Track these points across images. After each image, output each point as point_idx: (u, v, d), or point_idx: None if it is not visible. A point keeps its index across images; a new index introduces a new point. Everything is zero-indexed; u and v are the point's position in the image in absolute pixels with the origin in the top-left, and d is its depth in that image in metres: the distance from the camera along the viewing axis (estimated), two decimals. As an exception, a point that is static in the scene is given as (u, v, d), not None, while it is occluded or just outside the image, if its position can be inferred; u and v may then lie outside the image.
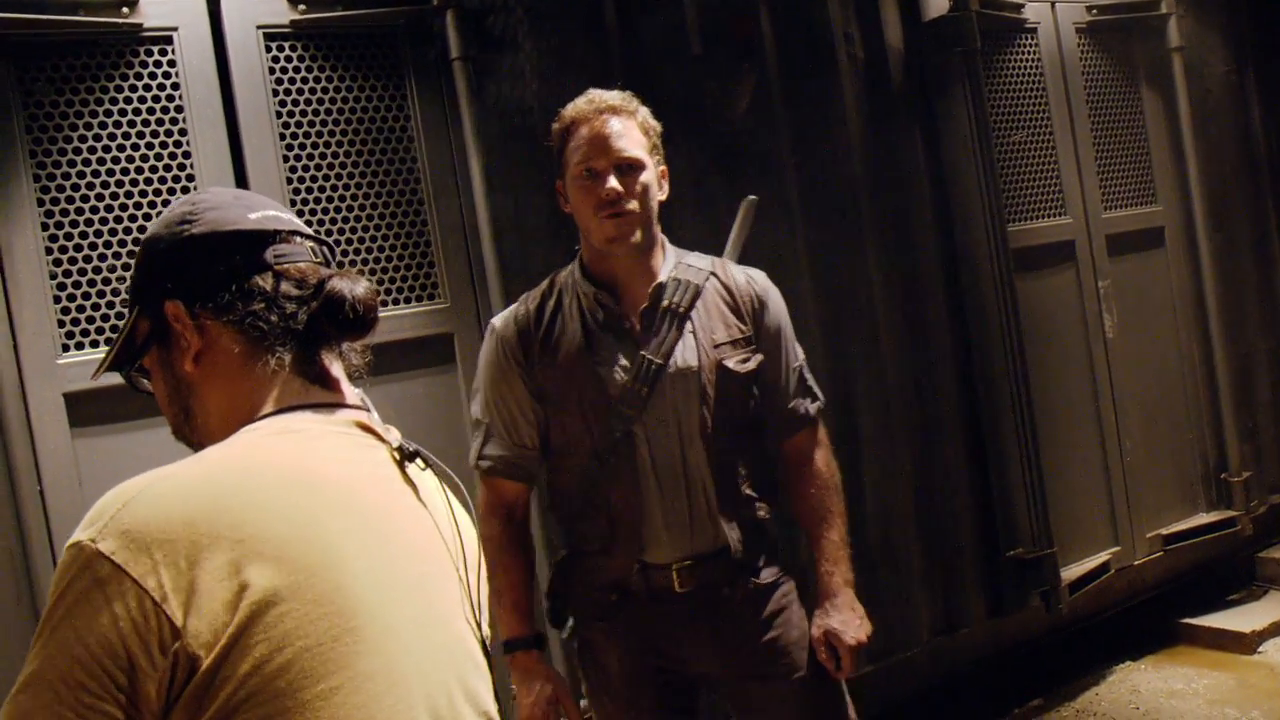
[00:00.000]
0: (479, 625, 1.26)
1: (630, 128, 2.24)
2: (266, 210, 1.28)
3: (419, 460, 1.26)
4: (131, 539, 0.97)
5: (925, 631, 3.86)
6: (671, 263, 2.32)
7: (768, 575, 2.36)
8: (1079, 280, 4.41)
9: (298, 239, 1.27)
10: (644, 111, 2.31)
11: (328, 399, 1.23)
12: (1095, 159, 4.50)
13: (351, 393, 1.28)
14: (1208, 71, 4.93)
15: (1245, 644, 4.42)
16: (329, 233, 2.96)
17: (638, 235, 2.23)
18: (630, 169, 2.22)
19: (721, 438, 2.27)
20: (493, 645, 1.30)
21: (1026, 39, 4.36)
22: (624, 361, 2.24)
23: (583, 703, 2.54)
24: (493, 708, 1.23)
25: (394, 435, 1.28)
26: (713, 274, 2.34)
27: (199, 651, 0.96)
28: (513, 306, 2.40)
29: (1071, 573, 4.15)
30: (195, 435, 1.26)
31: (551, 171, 2.38)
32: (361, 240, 3.01)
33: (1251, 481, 4.76)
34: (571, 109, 2.28)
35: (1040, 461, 4.02)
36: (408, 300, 3.07)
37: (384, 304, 3.03)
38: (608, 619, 2.33)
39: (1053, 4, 4.43)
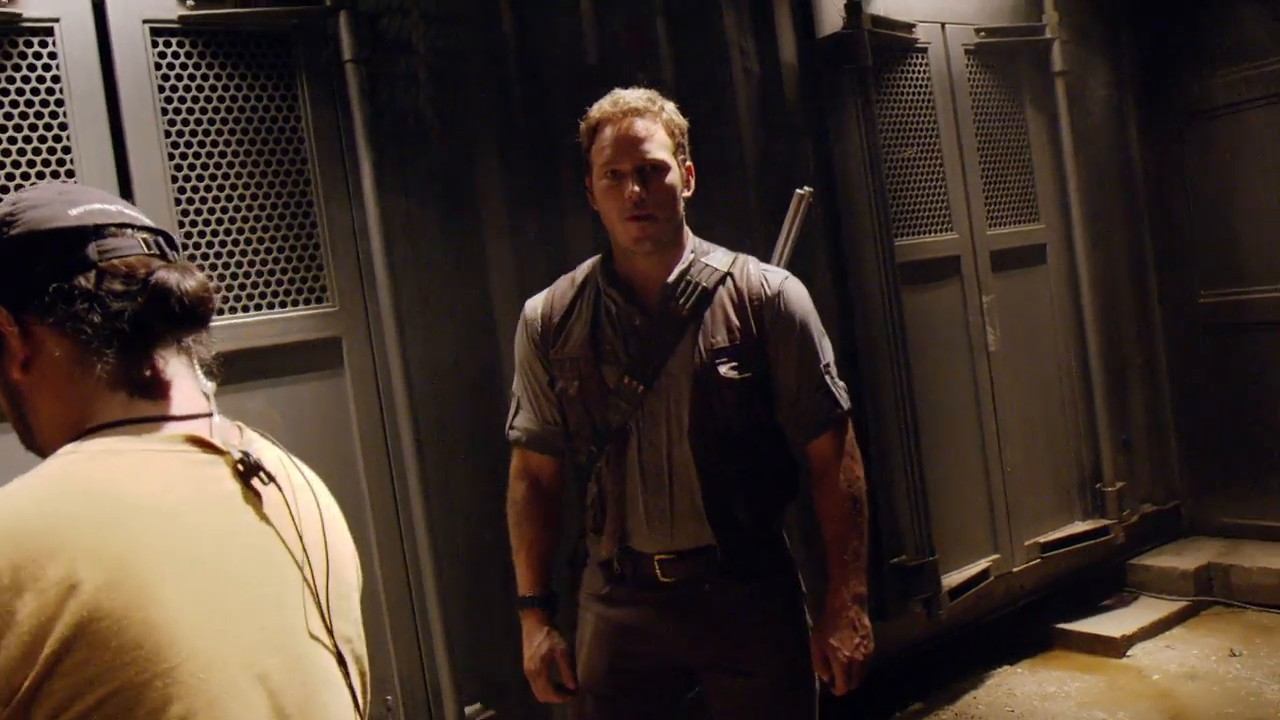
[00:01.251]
0: (331, 633, 1.21)
1: (654, 129, 2.25)
2: (91, 204, 1.20)
3: (261, 474, 1.19)
4: None
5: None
6: (686, 262, 2.33)
7: (754, 578, 2.36)
8: (964, 294, 4.54)
9: (128, 231, 1.19)
10: (669, 109, 2.32)
11: (155, 411, 1.16)
12: (981, 177, 4.64)
13: (191, 396, 1.20)
14: (1089, 95, 5.13)
15: (1115, 648, 4.59)
16: (215, 234, 2.91)
17: (661, 237, 2.28)
18: (654, 170, 2.24)
19: (710, 441, 2.28)
20: (341, 646, 1.24)
21: (917, 58, 4.48)
22: (624, 356, 2.29)
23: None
24: (343, 718, 1.21)
25: (242, 440, 1.22)
26: (729, 274, 2.34)
27: None
28: (549, 288, 2.48)
29: (952, 579, 4.27)
30: (38, 444, 1.20)
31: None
32: (249, 242, 2.96)
33: (1124, 491, 4.96)
34: (597, 110, 2.30)
35: (923, 470, 4.13)
36: (295, 303, 3.03)
37: (272, 307, 2.99)
38: (597, 593, 2.41)
39: (943, 25, 4.56)
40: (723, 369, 2.28)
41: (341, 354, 3.05)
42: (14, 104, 2.67)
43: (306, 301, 3.04)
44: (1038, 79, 4.88)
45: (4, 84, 2.66)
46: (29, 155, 2.68)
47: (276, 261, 3.00)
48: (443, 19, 3.26)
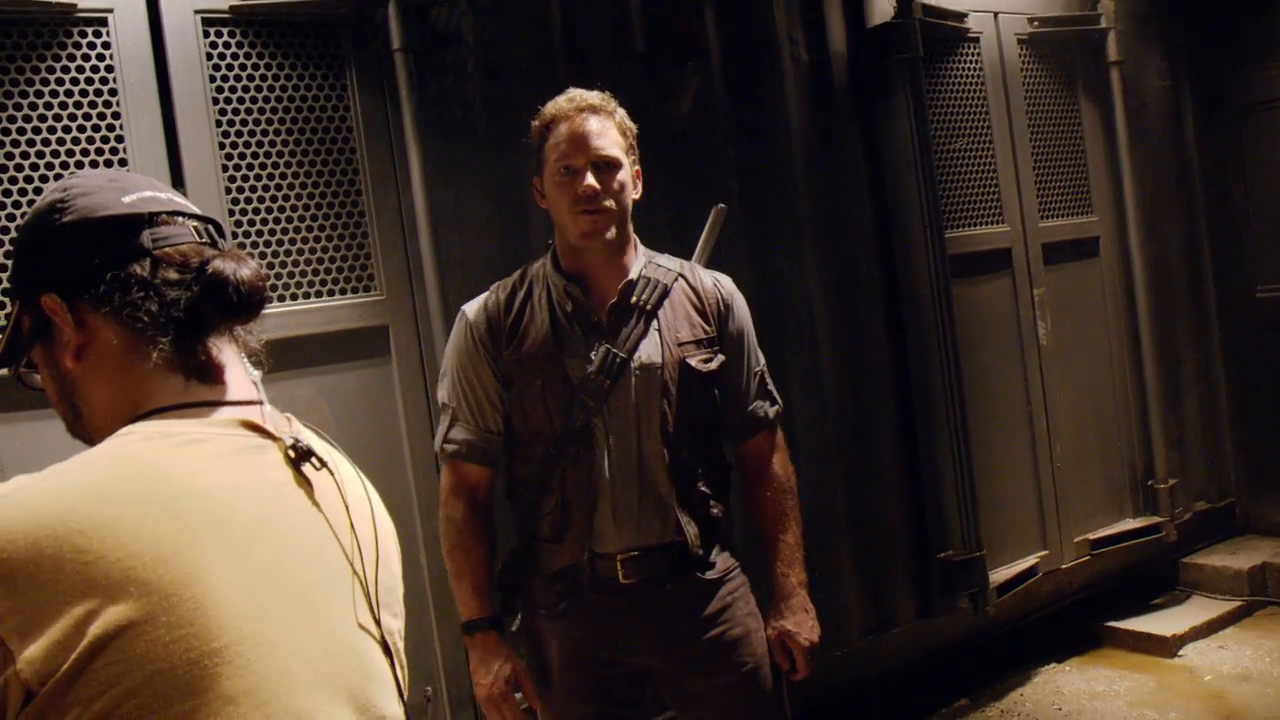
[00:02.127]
0: (378, 624, 1.21)
1: (608, 127, 2.29)
2: (142, 191, 1.20)
3: (313, 460, 1.19)
4: None
5: (856, 631, 3.91)
6: (642, 261, 2.37)
7: (714, 573, 2.39)
8: (1015, 288, 4.48)
9: (179, 219, 1.20)
10: (621, 112, 2.35)
11: (211, 396, 1.17)
12: (1033, 168, 4.57)
13: (243, 383, 1.21)
14: (1144, 85, 5.04)
15: (1166, 647, 4.52)
16: (265, 223, 2.94)
17: (612, 232, 2.28)
18: (607, 167, 2.26)
19: (680, 433, 2.32)
20: (387, 637, 1.24)
21: (969, 48, 4.42)
22: (589, 353, 2.29)
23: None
24: (392, 710, 1.20)
25: (292, 429, 1.22)
26: (681, 275, 2.39)
27: (32, 680, 0.92)
28: (484, 295, 2.44)
29: (1000, 575, 4.22)
30: (88, 432, 1.20)
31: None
32: (298, 231, 2.98)
33: (1177, 489, 4.87)
34: (552, 106, 2.31)
35: (972, 465, 4.08)
36: (344, 292, 3.04)
37: (320, 296, 3.01)
38: (553, 609, 2.36)
39: (995, 15, 4.49)
40: (694, 360, 2.34)
41: (389, 342, 3.06)
42: (68, 94, 2.70)
43: (354, 290, 3.06)
44: (1092, 69, 4.79)
45: (59, 74, 2.69)
46: (83, 144, 2.71)
47: (325, 250, 3.02)
48: (491, 10, 3.26)
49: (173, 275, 1.16)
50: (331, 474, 1.22)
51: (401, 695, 1.24)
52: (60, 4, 2.67)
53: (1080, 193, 4.77)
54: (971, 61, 4.42)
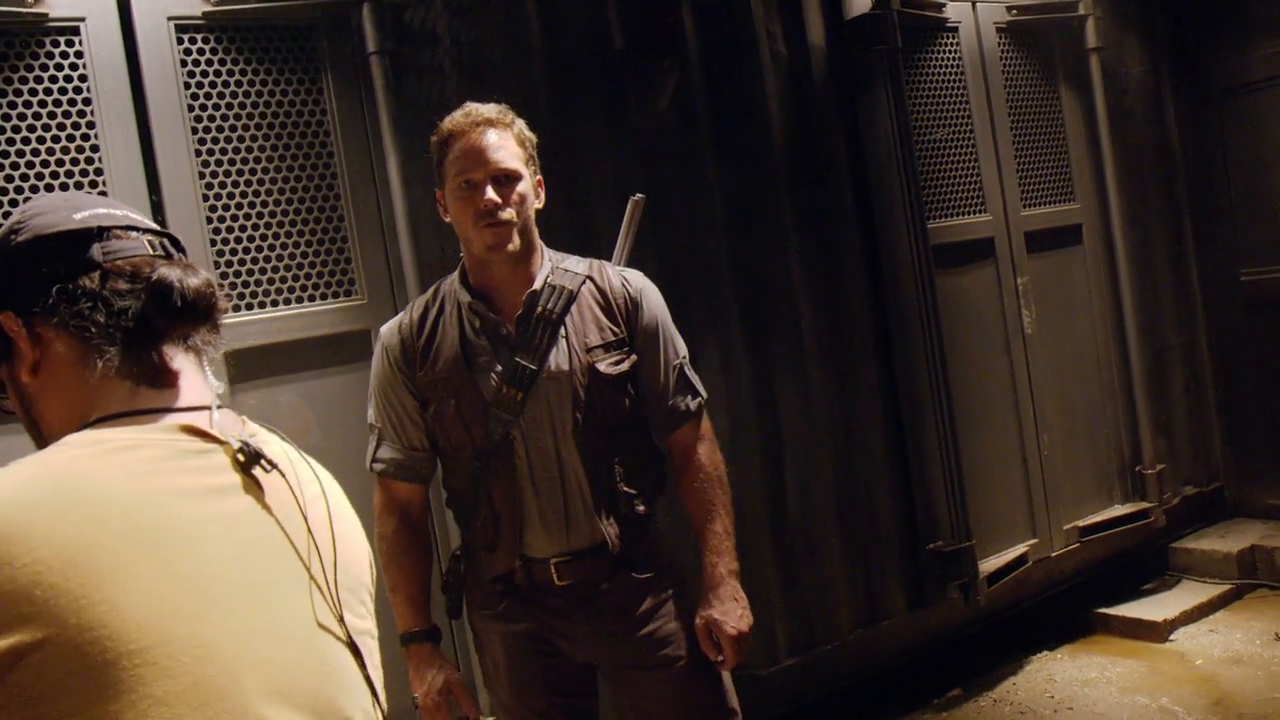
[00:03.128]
0: (342, 624, 1.21)
1: (507, 139, 2.28)
2: (96, 209, 1.22)
3: (263, 462, 1.19)
4: None
5: (846, 624, 3.92)
6: (547, 269, 2.36)
7: (646, 569, 2.41)
8: (998, 276, 4.48)
9: (133, 233, 1.22)
10: (520, 123, 2.34)
11: (158, 403, 1.18)
12: (1015, 157, 4.58)
13: (198, 390, 1.22)
14: (1124, 72, 5.04)
15: (1158, 632, 4.53)
16: (243, 229, 2.92)
17: (515, 243, 2.27)
18: (507, 180, 2.26)
19: (595, 438, 2.33)
20: (355, 638, 1.23)
21: (948, 38, 4.42)
22: (499, 367, 2.29)
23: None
24: (362, 712, 1.19)
25: (244, 431, 1.22)
26: (589, 278, 2.38)
27: None
28: (399, 314, 2.47)
29: (990, 565, 4.22)
30: (48, 446, 1.16)
31: (433, 181, 2.39)
32: (277, 236, 2.97)
33: (1165, 474, 4.89)
34: (449, 122, 2.31)
35: (960, 455, 4.09)
36: (324, 297, 3.03)
37: (301, 301, 2.99)
38: (494, 609, 2.40)
39: (974, 4, 4.50)
40: (602, 365, 2.33)
41: (370, 347, 3.03)
42: (42, 103, 2.69)
43: (335, 295, 3.05)
44: (1071, 56, 4.80)
45: (32, 83, 2.68)
46: (57, 155, 2.70)
47: (305, 255, 3.01)
48: (466, 10, 3.26)
49: (122, 286, 1.18)
50: (284, 476, 1.22)
51: (376, 696, 1.23)
52: (32, 13, 2.66)
53: (1062, 180, 4.78)
54: (950, 51, 4.42)
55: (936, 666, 4.27)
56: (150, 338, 1.19)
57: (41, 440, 1.21)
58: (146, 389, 1.18)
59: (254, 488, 1.18)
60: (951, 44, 4.42)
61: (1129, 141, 4.98)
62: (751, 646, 3.62)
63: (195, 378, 1.23)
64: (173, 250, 1.25)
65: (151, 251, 1.22)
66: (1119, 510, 4.79)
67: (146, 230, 1.24)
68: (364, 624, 1.26)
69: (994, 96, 4.52)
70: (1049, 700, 4.13)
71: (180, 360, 1.22)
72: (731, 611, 2.40)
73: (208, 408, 1.21)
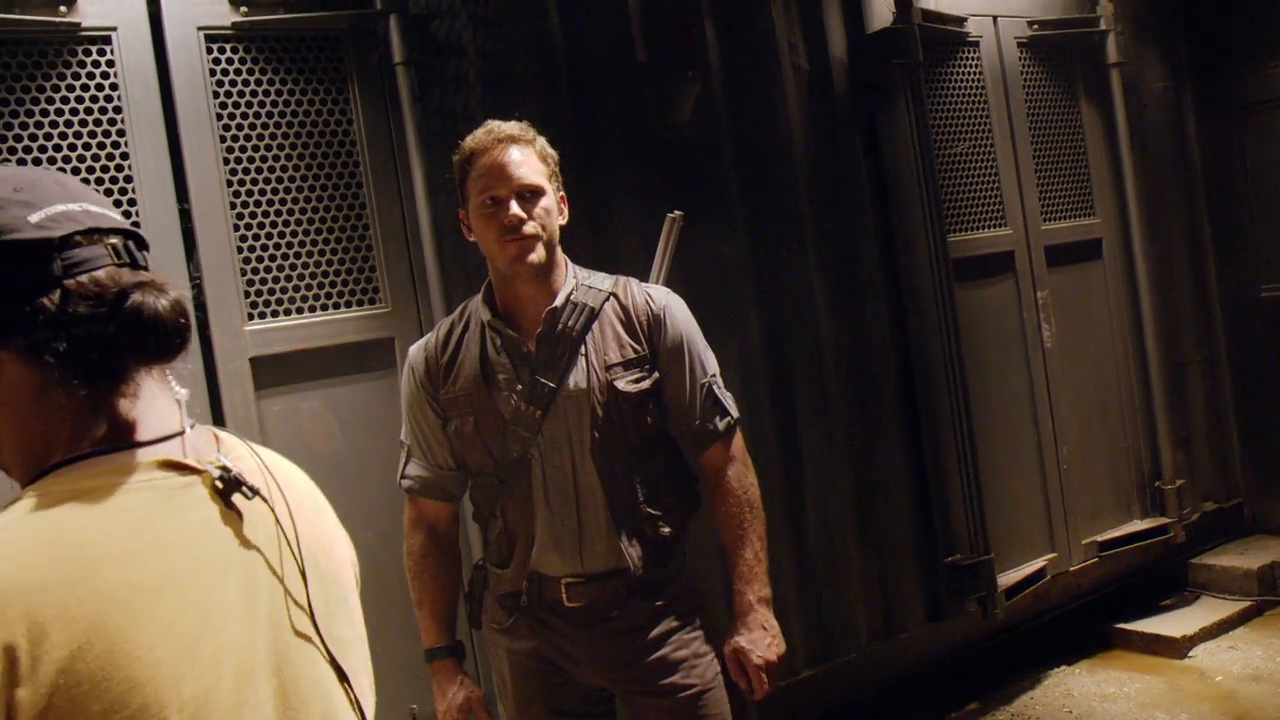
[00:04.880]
0: (324, 645, 1.15)
1: (529, 156, 2.28)
2: (53, 205, 1.07)
3: (243, 489, 1.10)
4: None
5: (864, 636, 3.91)
6: (570, 285, 2.35)
7: (661, 596, 2.37)
8: (1018, 290, 4.48)
9: (94, 236, 1.08)
10: (541, 140, 2.35)
11: (128, 436, 1.07)
12: (1035, 171, 4.58)
13: (165, 414, 1.11)
14: (1145, 87, 5.05)
15: (1176, 649, 4.51)
16: (269, 235, 2.95)
17: (541, 254, 2.27)
18: (531, 195, 2.27)
19: (615, 457, 2.30)
20: (336, 659, 1.19)
21: (969, 52, 4.43)
22: (519, 385, 2.29)
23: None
24: None
25: (220, 452, 1.14)
26: (613, 295, 2.37)
27: None
28: (429, 333, 2.49)
29: (1008, 578, 4.22)
30: (3, 462, 1.12)
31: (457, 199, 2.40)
32: (302, 244, 2.99)
33: (1184, 489, 4.87)
34: (471, 140, 2.31)
35: (979, 469, 4.09)
36: (349, 304, 3.06)
37: (325, 308, 3.02)
38: (503, 624, 2.41)
39: (995, 18, 4.51)
40: (621, 384, 2.31)
41: (394, 355, 3.07)
42: (74, 111, 2.72)
43: (360, 303, 3.07)
44: (1092, 71, 4.80)
45: (64, 91, 2.71)
46: (89, 161, 2.73)
47: (330, 263, 3.03)
48: (492, 21, 3.28)
49: (83, 310, 1.04)
50: (263, 499, 1.14)
51: (362, 712, 1.19)
52: (65, 23, 2.69)
53: (1082, 195, 4.78)
54: (971, 65, 4.43)
55: (953, 680, 4.26)
56: (117, 366, 1.07)
57: None
58: (113, 421, 1.07)
59: (233, 518, 1.10)
60: (972, 58, 4.43)
61: (1149, 156, 4.98)
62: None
63: (162, 398, 1.12)
64: (136, 254, 1.12)
65: (115, 259, 1.09)
66: (1138, 525, 4.77)
67: (109, 230, 1.10)
68: (350, 633, 1.22)
69: (1014, 111, 4.53)
70: (1066, 715, 4.11)
71: (146, 383, 1.11)
72: (760, 640, 2.36)
73: (180, 433, 1.11)
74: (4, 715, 0.88)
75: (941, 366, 4.06)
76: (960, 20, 4.36)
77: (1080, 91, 4.79)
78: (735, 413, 2.44)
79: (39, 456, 1.06)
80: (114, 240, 1.10)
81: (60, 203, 1.08)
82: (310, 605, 1.15)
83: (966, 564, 4.07)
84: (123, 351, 1.06)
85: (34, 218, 1.05)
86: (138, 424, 1.08)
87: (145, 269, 1.13)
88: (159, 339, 1.07)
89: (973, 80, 4.43)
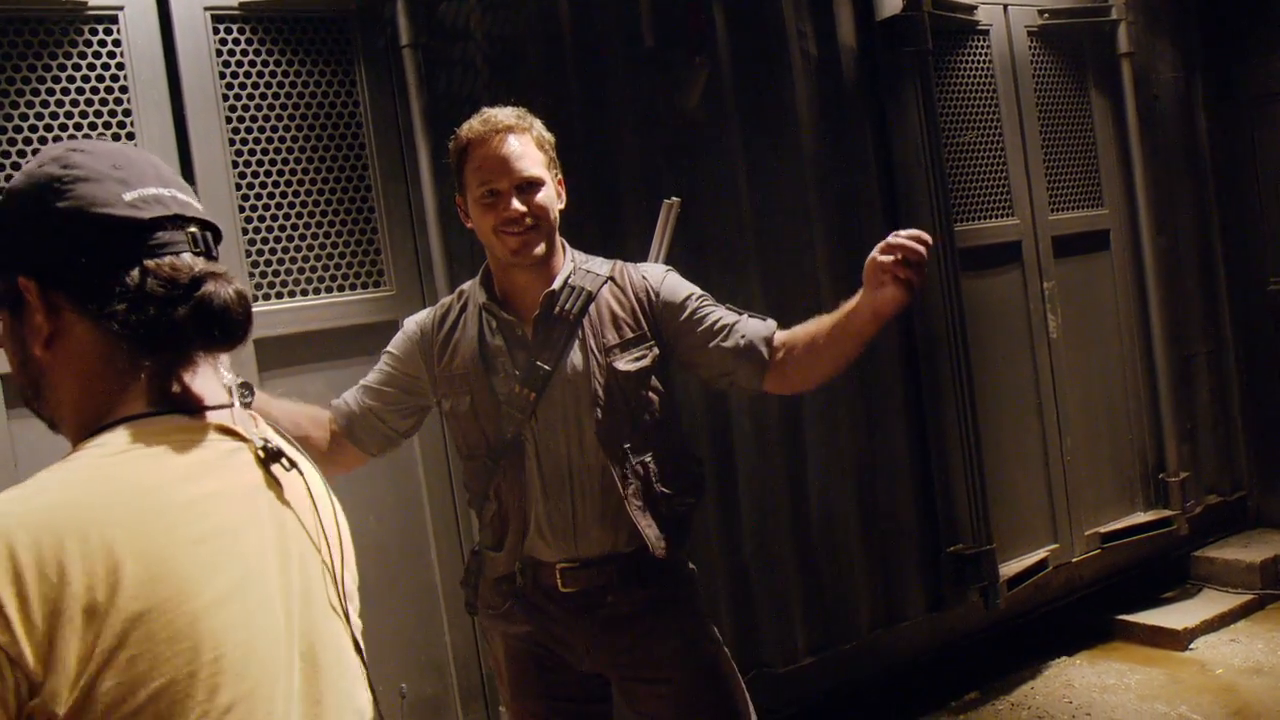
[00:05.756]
0: (347, 617, 1.22)
1: (528, 145, 2.27)
2: (146, 187, 1.14)
3: (283, 460, 1.18)
4: None
5: (866, 624, 3.92)
6: (568, 269, 2.35)
7: (658, 582, 2.34)
8: (1025, 280, 4.47)
9: (178, 223, 1.15)
10: (539, 125, 2.33)
11: (185, 403, 1.14)
12: (1043, 160, 4.56)
13: (215, 387, 1.18)
14: (1156, 78, 5.02)
15: (1178, 640, 4.51)
16: (275, 218, 2.95)
17: (541, 248, 2.27)
18: (530, 187, 2.26)
19: (624, 438, 2.29)
20: (355, 633, 1.25)
21: (978, 40, 4.41)
22: (515, 368, 2.29)
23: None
24: (364, 701, 1.22)
25: (259, 430, 1.21)
26: (610, 278, 2.36)
27: (55, 707, 0.92)
28: (425, 310, 2.49)
29: (1010, 569, 4.22)
30: (47, 412, 1.18)
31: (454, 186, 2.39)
32: (308, 226, 2.99)
33: (1189, 482, 4.86)
34: (467, 129, 2.30)
35: (982, 459, 4.08)
36: (353, 287, 3.06)
37: (330, 291, 3.02)
38: (497, 609, 2.39)
39: (1005, 6, 4.49)
40: (620, 364, 2.30)
41: (398, 338, 3.06)
42: (79, 91, 2.72)
43: (364, 285, 3.07)
44: (1102, 61, 4.78)
45: (70, 72, 2.71)
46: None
47: (335, 246, 3.03)
48: (500, 4, 3.27)
49: (159, 290, 1.11)
50: (301, 474, 1.22)
51: (371, 688, 1.24)
52: (71, 2, 2.68)
53: (1091, 185, 4.76)
54: (981, 54, 4.41)
55: (954, 669, 4.26)
56: (180, 346, 1.14)
57: (42, 406, 1.18)
58: (170, 389, 1.14)
59: (274, 484, 1.18)
60: (982, 46, 4.41)
61: (1159, 147, 4.96)
62: (770, 644, 3.65)
63: (213, 374, 1.19)
64: (211, 245, 1.19)
65: (193, 248, 1.15)
66: (1141, 517, 4.77)
67: (191, 219, 1.17)
68: (358, 622, 1.27)
69: (1024, 100, 4.51)
70: (1067, 706, 4.12)
71: (203, 364, 1.18)
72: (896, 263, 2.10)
73: (229, 405, 1.19)
74: (82, 638, 0.93)
75: (946, 356, 4.05)
76: (970, 8, 4.34)
77: (1090, 81, 4.76)
78: (772, 321, 2.35)
79: (97, 416, 1.11)
80: (193, 229, 1.16)
81: (154, 186, 1.15)
82: (340, 576, 1.22)
83: (969, 553, 4.07)
84: (189, 334, 1.12)
85: (128, 196, 1.12)
86: (193, 392, 1.15)
87: (216, 259, 1.19)
88: (225, 328, 1.13)
89: (982, 69, 4.41)
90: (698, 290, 2.40)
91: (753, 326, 2.34)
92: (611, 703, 2.51)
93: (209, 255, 1.17)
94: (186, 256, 1.14)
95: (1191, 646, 4.50)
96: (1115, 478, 4.79)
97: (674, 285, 2.38)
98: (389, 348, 2.45)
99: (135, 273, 1.10)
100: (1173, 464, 4.82)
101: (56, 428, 1.17)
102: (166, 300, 1.11)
